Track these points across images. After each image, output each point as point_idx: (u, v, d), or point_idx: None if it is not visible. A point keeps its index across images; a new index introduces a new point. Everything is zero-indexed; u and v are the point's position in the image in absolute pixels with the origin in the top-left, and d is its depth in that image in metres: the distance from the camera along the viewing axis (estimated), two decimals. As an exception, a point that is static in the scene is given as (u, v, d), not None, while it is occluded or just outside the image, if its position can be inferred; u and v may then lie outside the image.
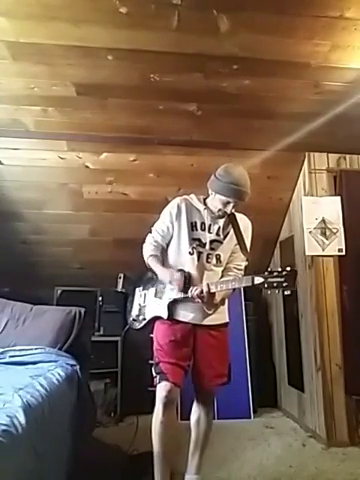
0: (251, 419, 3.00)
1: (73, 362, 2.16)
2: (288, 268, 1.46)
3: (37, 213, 3.02)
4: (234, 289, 1.71)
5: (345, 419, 2.52)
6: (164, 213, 1.90)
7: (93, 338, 2.88)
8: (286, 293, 1.60)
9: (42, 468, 1.37)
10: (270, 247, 3.46)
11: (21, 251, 3.24)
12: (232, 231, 1.83)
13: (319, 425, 2.57)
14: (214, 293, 1.67)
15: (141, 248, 2.00)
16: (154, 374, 1.73)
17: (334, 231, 2.73)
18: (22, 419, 1.27)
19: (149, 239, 1.93)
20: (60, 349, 2.29)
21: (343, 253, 2.69)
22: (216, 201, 1.78)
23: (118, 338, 3.19)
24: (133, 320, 1.97)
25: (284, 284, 1.44)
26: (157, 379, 1.69)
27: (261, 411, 3.15)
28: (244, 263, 1.84)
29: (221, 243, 1.81)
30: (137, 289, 2.04)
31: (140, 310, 1.95)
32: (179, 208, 1.84)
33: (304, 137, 2.56)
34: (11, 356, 2.14)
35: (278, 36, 1.85)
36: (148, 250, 1.90)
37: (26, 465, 1.23)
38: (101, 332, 3.27)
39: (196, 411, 1.85)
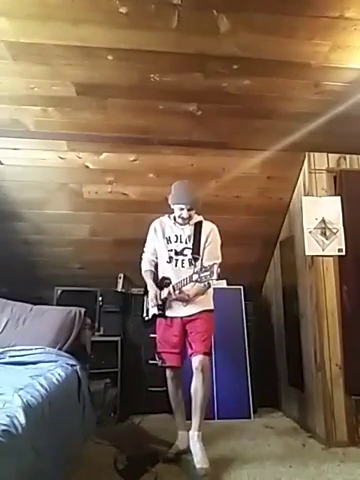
0: (251, 419, 3.00)
1: (73, 362, 2.17)
2: (209, 264, 2.00)
3: (37, 213, 3.02)
4: (208, 285, 2.20)
5: (345, 419, 2.51)
6: (148, 234, 2.44)
7: (93, 338, 2.89)
8: (212, 282, 2.16)
9: (42, 468, 1.37)
10: (270, 247, 3.46)
11: (21, 251, 3.24)
12: (193, 240, 2.28)
13: (319, 425, 2.57)
14: (180, 290, 2.14)
15: (141, 248, 2.47)
16: (157, 359, 2.33)
17: (334, 231, 2.73)
18: (22, 419, 1.27)
19: (143, 256, 2.47)
20: (60, 349, 2.30)
21: (343, 253, 2.69)
22: (176, 211, 2.30)
23: (118, 338, 3.19)
24: (143, 318, 2.49)
25: (209, 276, 1.94)
26: (160, 363, 2.30)
27: (261, 411, 3.15)
28: (214, 261, 2.10)
29: (190, 249, 2.27)
30: (145, 297, 2.50)
31: (146, 311, 2.45)
32: (155, 229, 2.40)
33: (304, 137, 2.56)
34: (11, 356, 2.15)
35: (278, 36, 1.85)
36: (143, 266, 2.45)
37: (26, 465, 1.23)
38: (101, 332, 3.28)
39: (193, 382, 2.15)
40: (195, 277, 2.01)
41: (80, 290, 3.42)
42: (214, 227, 2.35)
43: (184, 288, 2.14)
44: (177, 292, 2.15)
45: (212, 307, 2.32)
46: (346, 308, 2.62)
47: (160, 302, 2.23)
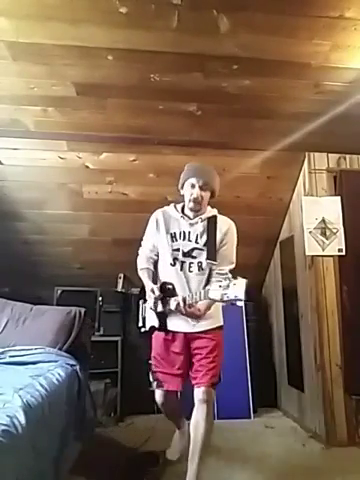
0: (251, 419, 3.00)
1: (73, 362, 2.16)
2: (238, 279, 1.45)
3: (37, 213, 3.02)
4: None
5: (345, 419, 2.52)
6: (147, 227, 2.02)
7: (93, 338, 2.88)
8: (239, 305, 1.50)
9: (42, 468, 1.37)
10: (270, 247, 3.46)
11: (21, 251, 3.24)
12: (206, 239, 1.85)
13: (319, 425, 2.57)
14: (192, 305, 1.70)
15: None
16: (151, 379, 1.87)
17: (334, 231, 2.73)
18: (22, 419, 1.27)
19: (140, 252, 2.05)
20: (60, 349, 2.29)
21: (343, 253, 2.69)
22: (186, 192, 1.88)
23: (118, 338, 3.19)
24: (139, 328, 2.04)
25: (236, 296, 1.44)
26: (154, 385, 1.86)
27: (261, 411, 3.15)
28: (229, 267, 1.84)
29: (201, 250, 1.84)
30: (140, 301, 2.09)
31: (143, 321, 2.01)
32: (157, 222, 1.95)
33: (304, 137, 2.56)
34: (11, 356, 2.14)
35: (278, 36, 1.85)
36: (140, 263, 2.02)
37: (26, 465, 1.23)
38: (101, 332, 3.27)
39: (195, 415, 1.81)
40: (217, 295, 1.50)
41: (80, 290, 3.42)
42: (232, 224, 1.94)
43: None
44: (187, 307, 1.70)
45: (222, 322, 1.92)
46: (346, 308, 2.62)
47: (160, 309, 1.80)
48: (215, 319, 1.87)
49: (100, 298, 3.42)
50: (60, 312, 2.53)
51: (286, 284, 3.23)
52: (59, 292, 3.41)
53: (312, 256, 2.74)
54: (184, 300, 1.69)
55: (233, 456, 2.26)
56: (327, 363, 2.57)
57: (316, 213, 2.76)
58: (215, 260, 1.81)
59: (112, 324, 3.25)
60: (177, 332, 1.84)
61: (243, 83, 2.14)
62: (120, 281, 3.35)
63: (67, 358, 2.19)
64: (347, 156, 2.88)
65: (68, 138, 2.62)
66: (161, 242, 1.93)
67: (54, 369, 1.94)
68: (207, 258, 1.81)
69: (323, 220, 2.75)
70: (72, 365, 2.12)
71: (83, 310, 2.55)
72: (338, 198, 2.77)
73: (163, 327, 1.83)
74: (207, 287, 1.65)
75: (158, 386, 1.83)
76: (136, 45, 1.89)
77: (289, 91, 2.22)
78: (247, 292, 1.39)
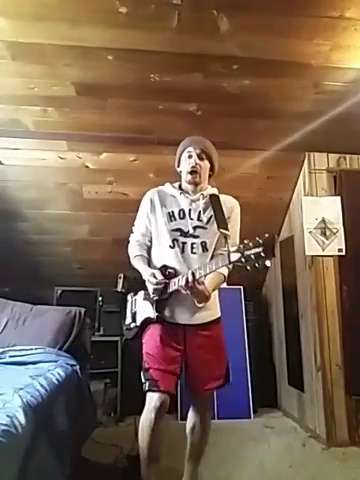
0: (251, 419, 3.00)
1: (73, 362, 2.16)
2: (266, 235, 1.22)
3: (37, 213, 3.02)
4: (225, 278, 1.62)
5: (345, 419, 2.52)
6: (139, 209, 1.80)
7: (93, 338, 2.88)
8: (267, 264, 1.22)
9: (42, 468, 1.37)
10: (270, 247, 3.46)
11: (21, 251, 3.24)
12: (213, 214, 1.64)
13: (319, 425, 2.57)
14: (202, 282, 1.49)
15: None
16: (143, 380, 1.56)
17: (334, 231, 2.73)
18: (22, 419, 1.27)
19: (131, 239, 1.87)
20: (60, 349, 2.29)
21: (343, 253, 2.69)
22: (184, 165, 1.71)
23: (118, 338, 3.19)
24: (127, 329, 1.81)
25: (262, 254, 1.20)
26: (146, 385, 1.54)
27: (261, 411, 3.15)
28: (234, 248, 1.53)
29: (205, 228, 1.64)
30: (129, 296, 1.93)
31: (132, 317, 1.79)
32: (152, 201, 1.74)
33: (304, 137, 2.56)
34: (11, 356, 2.14)
35: (278, 36, 1.85)
36: (132, 250, 1.82)
37: (26, 465, 1.23)
38: (101, 332, 3.27)
39: (191, 418, 1.69)
40: (236, 256, 1.27)
41: (80, 290, 3.42)
42: (237, 204, 1.75)
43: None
44: (196, 283, 1.46)
45: (220, 314, 1.72)
46: (346, 308, 2.62)
47: (162, 286, 1.55)
48: (214, 310, 1.67)
49: (100, 298, 3.42)
50: (60, 312, 2.53)
51: (286, 284, 3.23)
52: (59, 292, 3.41)
53: (312, 256, 2.74)
54: (193, 275, 1.45)
55: (233, 456, 2.26)
56: (327, 363, 2.57)
57: (316, 213, 2.76)
58: (227, 229, 1.57)
59: (112, 324, 3.24)
60: (175, 324, 1.60)
61: (243, 83, 2.14)
62: (120, 281, 3.33)
63: (67, 358, 2.19)
64: (347, 156, 2.88)
65: (68, 138, 2.62)
66: (157, 224, 1.71)
67: (54, 369, 1.94)
68: (219, 226, 1.58)
69: (323, 220, 2.75)
70: (72, 365, 2.12)
71: (83, 310, 2.55)
72: (338, 198, 2.77)
73: (161, 317, 1.59)
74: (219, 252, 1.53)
75: (152, 386, 1.51)
76: (136, 45, 1.89)
77: (289, 91, 2.22)
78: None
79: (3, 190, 2.86)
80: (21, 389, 1.51)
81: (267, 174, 2.94)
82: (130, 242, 1.87)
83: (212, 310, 1.65)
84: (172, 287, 1.54)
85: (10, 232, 3.10)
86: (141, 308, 1.73)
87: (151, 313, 1.62)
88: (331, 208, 2.76)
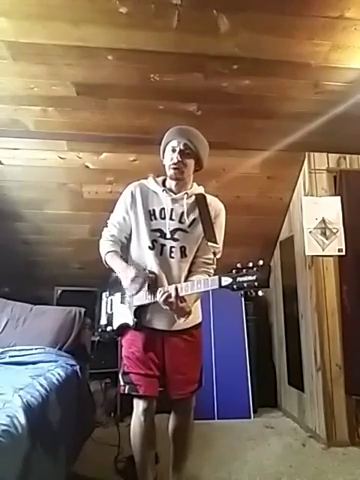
0: (251, 419, 3.00)
1: (73, 362, 2.17)
2: (260, 262, 1.15)
3: (37, 213, 3.02)
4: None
5: (345, 419, 2.52)
6: (118, 202, 1.67)
7: (93, 338, 2.88)
8: (259, 294, 1.17)
9: (42, 468, 1.37)
10: (270, 247, 3.46)
11: (21, 251, 3.24)
12: (198, 216, 1.55)
13: (319, 425, 2.57)
14: (184, 299, 1.39)
15: None
16: (122, 382, 1.54)
17: (334, 231, 2.73)
18: (22, 419, 1.27)
19: (105, 234, 1.72)
20: (60, 349, 2.29)
21: (343, 253, 2.69)
22: (167, 159, 1.59)
23: (118, 338, 3.18)
24: (102, 331, 1.75)
25: (255, 283, 1.13)
26: (126, 389, 1.51)
27: (261, 411, 3.15)
28: (211, 252, 1.52)
29: (186, 232, 1.53)
30: (104, 294, 1.82)
31: (108, 319, 1.72)
32: (133, 195, 1.61)
33: (304, 137, 2.56)
34: (11, 356, 2.15)
35: (278, 36, 1.85)
36: (105, 246, 1.69)
37: (26, 465, 1.23)
38: (101, 332, 3.27)
39: (172, 423, 1.64)
40: (227, 281, 1.21)
41: (80, 290, 3.42)
42: (223, 208, 1.65)
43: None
44: (174, 297, 1.37)
45: (201, 319, 1.66)
46: (346, 308, 2.62)
47: (144, 300, 1.48)
48: (195, 315, 1.56)
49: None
50: (60, 312, 2.53)
51: (286, 284, 3.23)
52: (59, 292, 3.41)
53: (312, 256, 2.74)
54: (176, 290, 1.36)
55: (233, 456, 2.26)
56: (327, 363, 2.57)
57: (316, 213, 2.76)
58: (216, 242, 1.50)
59: (112, 324, 3.24)
60: (154, 329, 1.54)
61: (243, 83, 2.14)
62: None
63: (67, 358, 2.20)
64: (347, 156, 2.88)
65: (68, 138, 2.62)
66: (137, 221, 1.59)
67: (54, 369, 1.94)
68: (206, 236, 1.50)
69: (323, 220, 2.75)
70: (72, 365, 2.13)
71: (83, 310, 2.55)
72: (338, 198, 2.77)
73: (139, 324, 1.51)
74: (194, 277, 1.46)
75: (133, 391, 1.49)
76: (136, 45, 1.89)
77: (289, 91, 2.22)
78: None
79: (3, 190, 2.86)
80: (21, 389, 1.51)
81: (267, 174, 2.94)
82: (102, 237, 1.73)
83: (193, 315, 1.52)
84: (150, 299, 1.46)
85: (10, 232, 3.10)
86: (118, 312, 1.66)
87: (129, 320, 1.56)
88: (331, 208, 2.76)
